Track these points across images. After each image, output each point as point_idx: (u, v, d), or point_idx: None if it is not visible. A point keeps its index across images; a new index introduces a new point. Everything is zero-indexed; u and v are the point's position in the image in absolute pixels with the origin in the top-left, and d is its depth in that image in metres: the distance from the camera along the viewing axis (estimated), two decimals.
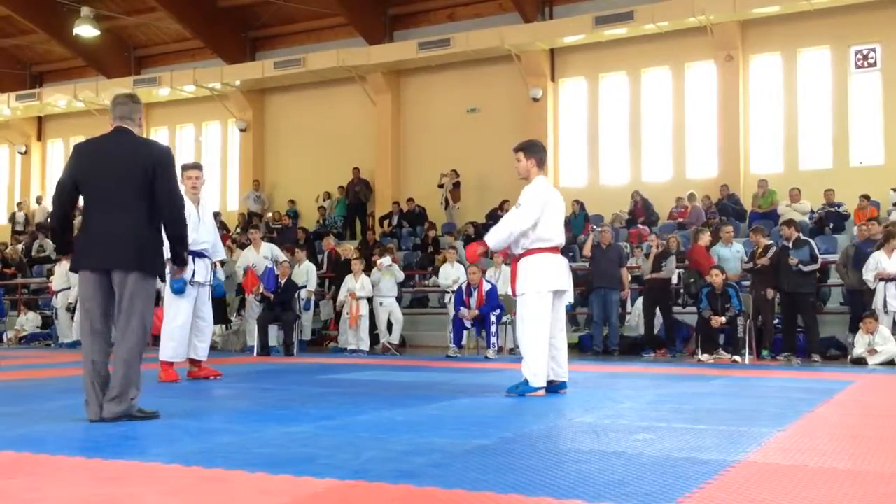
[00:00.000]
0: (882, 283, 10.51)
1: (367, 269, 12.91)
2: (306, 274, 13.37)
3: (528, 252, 6.17)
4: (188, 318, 7.36)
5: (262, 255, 12.87)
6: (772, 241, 11.57)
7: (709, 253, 11.80)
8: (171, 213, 4.79)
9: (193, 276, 7.30)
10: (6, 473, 3.24)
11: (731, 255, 11.92)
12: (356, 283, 12.51)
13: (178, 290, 7.18)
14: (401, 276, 13.06)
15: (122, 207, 4.67)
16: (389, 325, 12.87)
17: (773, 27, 16.46)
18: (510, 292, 6.52)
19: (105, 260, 4.68)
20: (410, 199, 18.77)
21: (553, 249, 6.24)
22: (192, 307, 7.40)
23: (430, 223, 17.81)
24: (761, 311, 11.04)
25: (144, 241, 4.70)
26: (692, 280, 11.89)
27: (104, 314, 4.70)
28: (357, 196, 19.39)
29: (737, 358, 10.45)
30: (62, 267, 15.32)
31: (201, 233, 7.44)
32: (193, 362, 7.64)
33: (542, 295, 6.09)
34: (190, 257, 7.31)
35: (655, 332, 11.90)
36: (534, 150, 6.41)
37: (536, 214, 6.11)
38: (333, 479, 3.05)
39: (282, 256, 13.05)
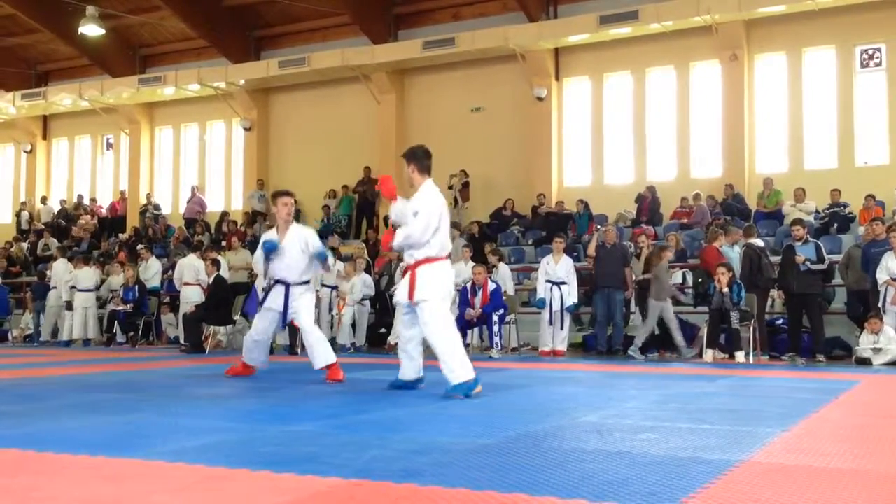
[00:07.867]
0: (885, 285, 10.45)
1: (369, 269, 12.90)
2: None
3: (428, 260, 6.26)
4: (257, 332, 7.64)
5: None
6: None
7: (720, 254, 11.77)
8: None
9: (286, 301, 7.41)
10: (10, 472, 3.25)
11: (735, 255, 11.91)
12: (348, 285, 12.57)
13: (267, 248, 7.38)
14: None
15: None
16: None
17: (778, 27, 16.43)
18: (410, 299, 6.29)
19: None
20: None
21: (447, 258, 6.40)
22: (266, 324, 7.59)
23: None
24: (756, 312, 10.99)
25: None
26: (700, 280, 11.85)
27: None
28: (364, 195, 19.39)
29: (742, 358, 10.43)
30: (64, 264, 15.45)
31: (280, 261, 7.47)
32: (329, 366, 7.39)
33: (445, 301, 6.33)
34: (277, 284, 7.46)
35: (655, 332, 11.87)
36: (413, 157, 6.43)
37: (435, 225, 6.23)
38: (337, 477, 3.05)
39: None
